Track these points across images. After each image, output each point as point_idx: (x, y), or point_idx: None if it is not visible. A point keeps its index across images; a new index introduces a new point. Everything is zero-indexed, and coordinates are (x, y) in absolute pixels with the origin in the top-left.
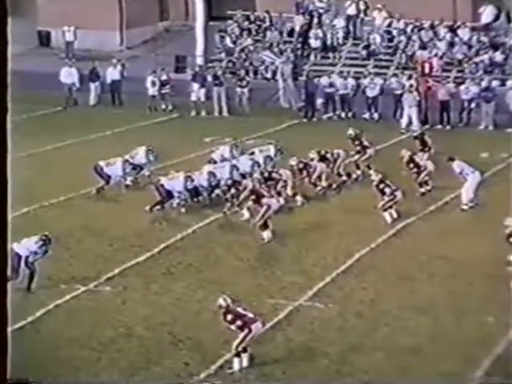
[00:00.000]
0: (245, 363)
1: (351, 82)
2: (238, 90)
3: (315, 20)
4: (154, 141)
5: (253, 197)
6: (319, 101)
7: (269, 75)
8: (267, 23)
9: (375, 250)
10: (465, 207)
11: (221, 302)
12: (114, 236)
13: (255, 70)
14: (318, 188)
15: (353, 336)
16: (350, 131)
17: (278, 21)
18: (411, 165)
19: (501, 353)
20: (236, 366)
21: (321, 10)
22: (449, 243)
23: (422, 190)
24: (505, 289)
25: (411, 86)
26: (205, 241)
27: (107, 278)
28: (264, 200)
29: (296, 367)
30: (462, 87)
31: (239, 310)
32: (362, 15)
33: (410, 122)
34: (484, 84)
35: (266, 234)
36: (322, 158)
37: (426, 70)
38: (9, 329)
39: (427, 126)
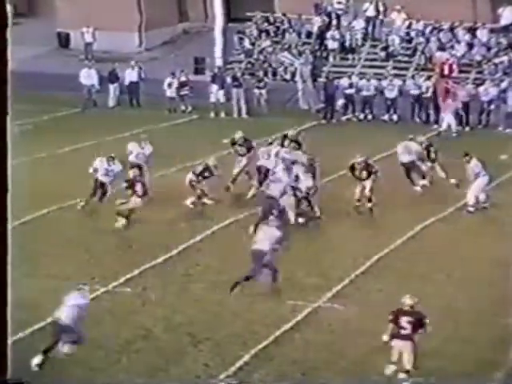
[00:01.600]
0: None
1: (374, 83)
2: (256, 91)
3: (334, 21)
4: (172, 142)
5: None
6: (339, 102)
7: (288, 76)
8: (286, 25)
9: (394, 251)
10: (471, 209)
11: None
12: (133, 237)
13: (274, 72)
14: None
15: (371, 337)
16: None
17: (297, 22)
18: None
19: None
20: None
21: (339, 12)
22: (467, 245)
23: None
24: None
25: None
26: (224, 242)
27: (126, 279)
28: None
29: (315, 368)
30: (481, 89)
31: None
32: (381, 16)
33: (449, 126)
34: (503, 85)
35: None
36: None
37: (446, 72)
38: (9, 329)
39: (445, 128)
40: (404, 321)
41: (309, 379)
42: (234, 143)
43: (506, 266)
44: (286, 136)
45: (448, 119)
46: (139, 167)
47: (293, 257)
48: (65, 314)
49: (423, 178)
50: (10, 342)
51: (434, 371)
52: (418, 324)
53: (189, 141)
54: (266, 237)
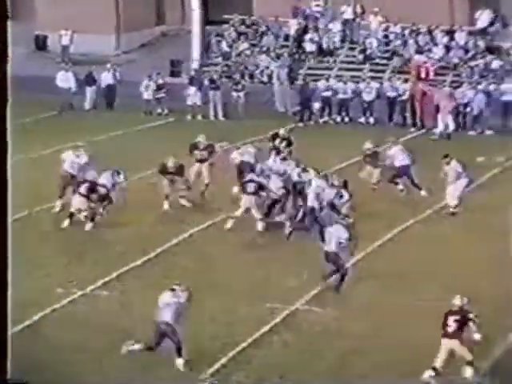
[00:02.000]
0: None
1: (351, 86)
2: (234, 93)
3: (311, 24)
4: (149, 145)
5: None
6: (316, 105)
7: (265, 79)
8: (263, 27)
9: (371, 254)
10: (455, 210)
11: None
12: (111, 240)
13: (251, 74)
14: None
15: (350, 340)
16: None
17: (275, 25)
18: None
19: (499, 355)
20: None
21: (317, 15)
22: (447, 246)
23: None
24: (504, 288)
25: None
26: (202, 245)
27: (104, 282)
28: None
29: (293, 371)
30: (458, 91)
31: None
32: (358, 19)
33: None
34: (480, 88)
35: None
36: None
37: (422, 75)
38: (9, 329)
39: (423, 131)
40: (451, 320)
41: (287, 382)
42: (194, 148)
43: (487, 267)
44: (276, 134)
45: (446, 120)
46: (72, 176)
47: (272, 259)
48: (163, 314)
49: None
50: (9, 342)
51: (412, 372)
52: (463, 322)
53: (165, 143)
54: (333, 238)
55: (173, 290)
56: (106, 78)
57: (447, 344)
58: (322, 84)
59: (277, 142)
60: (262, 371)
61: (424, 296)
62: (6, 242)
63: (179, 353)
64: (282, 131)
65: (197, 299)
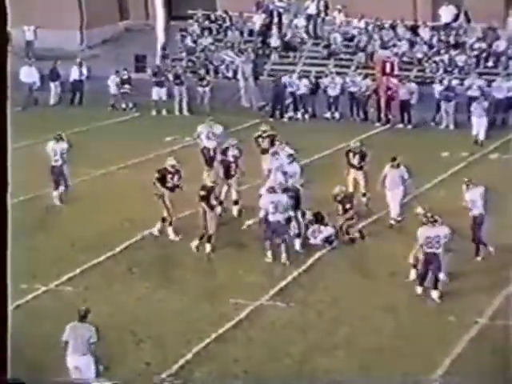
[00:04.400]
0: None
1: (304, 81)
2: (200, 89)
3: (275, 19)
4: (113, 140)
5: None
6: (288, 100)
7: (230, 74)
8: (228, 23)
9: (337, 250)
10: (393, 222)
11: None
12: (75, 236)
13: (216, 70)
14: None
15: (314, 335)
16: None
17: (239, 20)
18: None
19: (461, 352)
20: None
21: (281, 10)
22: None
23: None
24: (469, 285)
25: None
26: (165, 241)
27: (68, 277)
28: None
29: (257, 366)
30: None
31: None
32: (322, 14)
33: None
34: (446, 83)
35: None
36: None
37: (387, 70)
38: (9, 330)
39: (388, 126)
40: None
41: (251, 377)
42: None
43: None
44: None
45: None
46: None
47: (235, 255)
48: None
49: None
50: (9, 342)
51: (375, 369)
52: None
53: (130, 139)
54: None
55: None
56: (74, 72)
57: None
58: (285, 80)
59: (350, 156)
60: (226, 367)
61: (384, 290)
62: (6, 243)
63: None
64: (353, 144)
65: (161, 296)
